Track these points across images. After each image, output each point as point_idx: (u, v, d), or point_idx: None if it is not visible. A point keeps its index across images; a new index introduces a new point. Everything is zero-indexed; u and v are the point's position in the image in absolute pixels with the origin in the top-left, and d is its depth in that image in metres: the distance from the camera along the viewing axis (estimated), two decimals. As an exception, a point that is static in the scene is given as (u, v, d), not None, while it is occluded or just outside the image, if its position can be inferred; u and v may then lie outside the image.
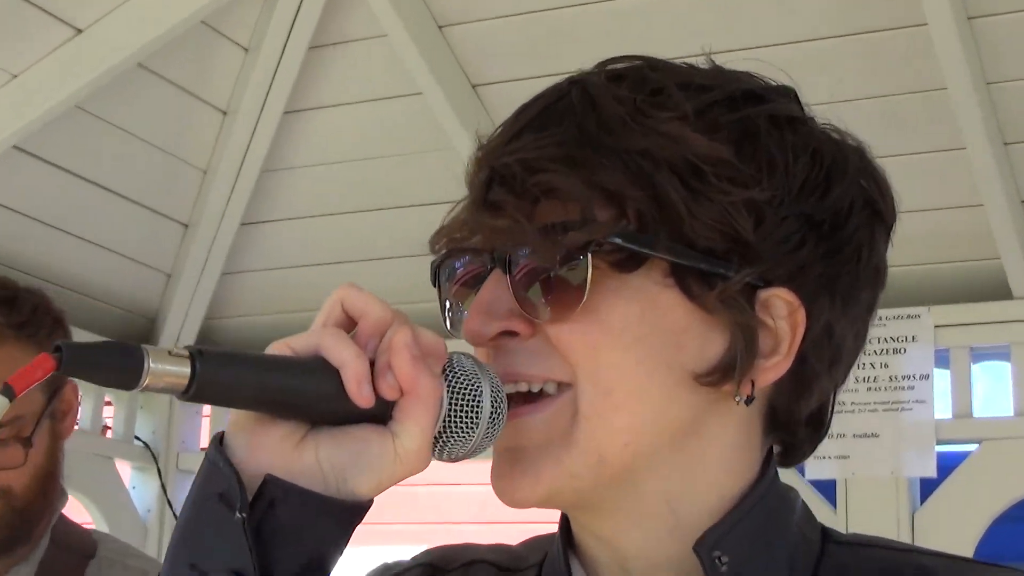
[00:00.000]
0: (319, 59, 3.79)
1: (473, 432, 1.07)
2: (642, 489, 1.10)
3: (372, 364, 1.03)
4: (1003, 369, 3.58)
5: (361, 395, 1.02)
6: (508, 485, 1.10)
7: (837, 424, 3.98)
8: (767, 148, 1.10)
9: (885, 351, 3.54)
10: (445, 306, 1.18)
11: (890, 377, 3.52)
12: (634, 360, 1.07)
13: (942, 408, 3.52)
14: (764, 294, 1.09)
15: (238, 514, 0.99)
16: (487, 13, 3.50)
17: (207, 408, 4.38)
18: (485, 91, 3.62)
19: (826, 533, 1.16)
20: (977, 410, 3.54)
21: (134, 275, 4.09)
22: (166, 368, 0.96)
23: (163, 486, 4.19)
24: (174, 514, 4.14)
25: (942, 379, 3.55)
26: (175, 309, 4.18)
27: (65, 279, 3.88)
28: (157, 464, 4.21)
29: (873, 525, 3.42)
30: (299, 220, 4.15)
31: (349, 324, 1.06)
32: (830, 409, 1.20)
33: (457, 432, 1.07)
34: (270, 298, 4.28)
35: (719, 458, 1.12)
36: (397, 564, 1.30)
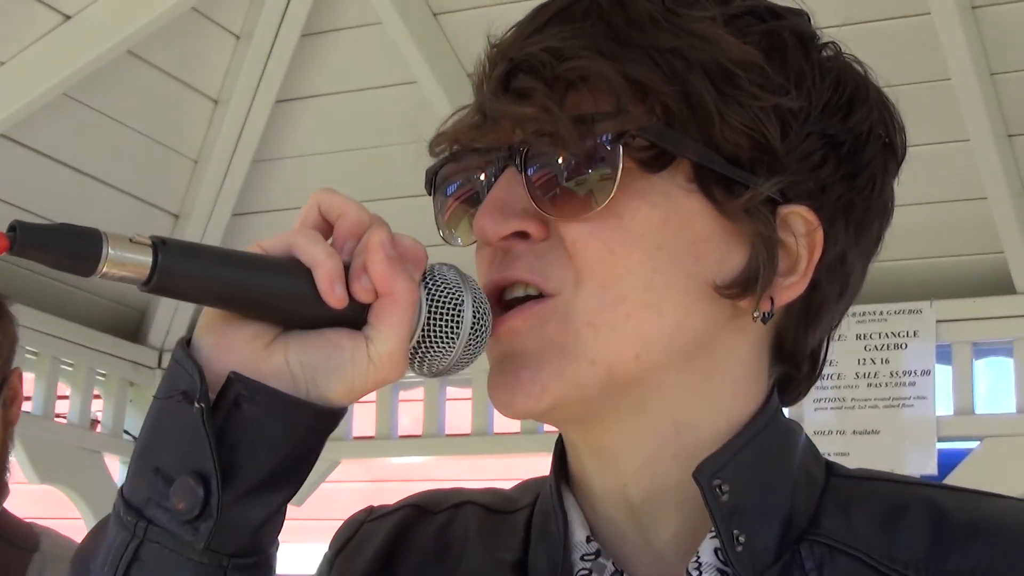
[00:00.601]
0: (312, 47, 3.75)
1: (453, 343, 1.02)
2: (650, 407, 1.06)
3: (348, 269, 0.99)
4: (1006, 365, 3.55)
5: (333, 295, 0.97)
6: (510, 396, 1.05)
7: (837, 421, 3.93)
8: (795, 61, 1.08)
9: (886, 346, 3.50)
10: (439, 216, 1.13)
11: (891, 373, 3.49)
12: (650, 268, 1.03)
13: (943, 404, 3.50)
14: (785, 210, 1.06)
15: (196, 404, 0.94)
16: (483, 0, 3.47)
17: (198, 401, 4.33)
18: (481, 80, 3.56)
19: (831, 467, 1.14)
20: (979, 407, 3.51)
21: (124, 266, 4.04)
22: (126, 255, 0.91)
23: (153, 480, 4.15)
24: (164, 509, 4.10)
25: (944, 375, 3.52)
26: (166, 302, 4.14)
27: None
28: (147, 458, 4.17)
29: (873, 523, 3.38)
30: (292, 211, 4.09)
31: (327, 229, 1.02)
32: (826, 348, 1.18)
33: (436, 343, 1.02)
34: (263, 290, 4.24)
35: (729, 380, 1.08)
36: (382, 507, 1.26)
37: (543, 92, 1.03)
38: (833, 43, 1.14)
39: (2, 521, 2.45)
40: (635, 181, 1.03)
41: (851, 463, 3.67)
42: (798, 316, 1.11)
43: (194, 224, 4.04)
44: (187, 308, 4.19)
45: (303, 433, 0.99)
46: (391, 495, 1.26)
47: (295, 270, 0.98)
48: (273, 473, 0.98)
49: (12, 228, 0.88)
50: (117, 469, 4.22)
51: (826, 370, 3.53)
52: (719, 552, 1.05)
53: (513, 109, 1.05)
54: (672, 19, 1.04)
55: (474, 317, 1.03)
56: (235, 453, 0.96)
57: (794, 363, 1.14)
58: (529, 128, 1.05)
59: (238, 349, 0.98)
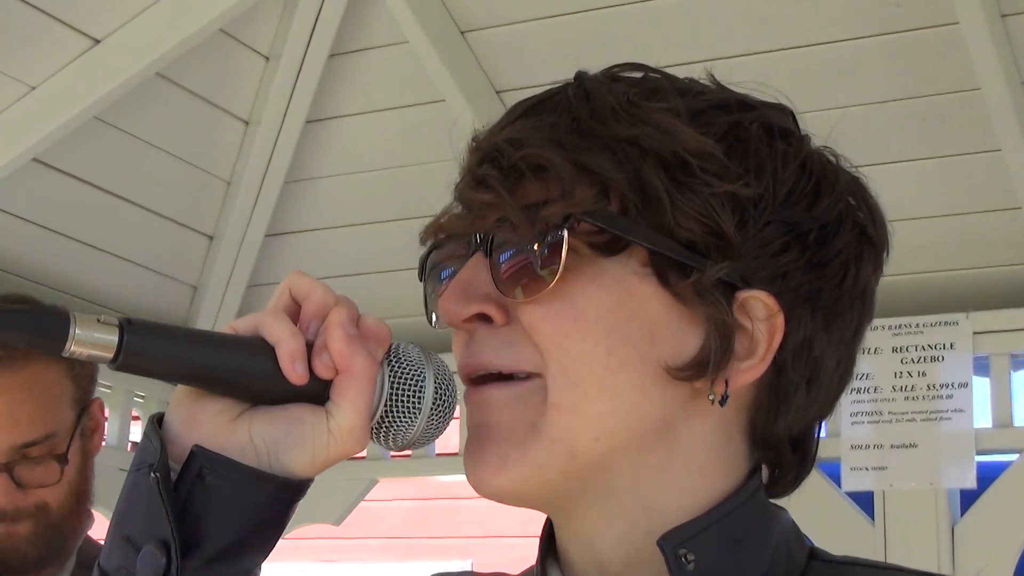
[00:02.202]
0: (340, 67, 3.76)
1: (415, 418, 1.07)
2: (615, 488, 1.09)
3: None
4: (1044, 376, 3.52)
5: (295, 372, 1.03)
6: (475, 470, 1.09)
7: (874, 434, 3.89)
8: (756, 151, 1.11)
9: (923, 359, 3.47)
10: (428, 301, 1.18)
11: (928, 386, 3.46)
12: (604, 351, 1.06)
13: (982, 417, 3.46)
14: (743, 295, 1.09)
15: (152, 474, 1.00)
16: (510, 17, 3.46)
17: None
18: (510, 97, 3.57)
19: (814, 552, 1.16)
20: (1018, 419, 3.47)
21: (159, 288, 4.06)
22: (93, 335, 0.98)
23: (189, 501, 4.17)
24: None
25: (981, 387, 3.49)
26: (202, 322, 4.15)
27: (89, 292, 3.86)
28: (183, 479, 4.19)
29: (912, 538, 3.36)
30: (324, 231, 4.12)
31: (296, 310, 1.08)
32: (815, 441, 1.20)
33: (399, 417, 1.07)
34: (296, 310, 4.25)
35: (694, 460, 1.10)
36: None
37: (497, 179, 1.07)
38: (807, 135, 1.16)
39: (86, 548, 2.48)
40: (587, 266, 1.06)
41: (889, 477, 3.67)
42: (767, 401, 1.13)
43: (228, 245, 4.05)
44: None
45: (266, 503, 1.03)
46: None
47: (261, 349, 1.03)
48: (237, 542, 1.02)
49: None
50: (153, 491, 4.23)
51: (862, 384, 3.53)
52: None
53: (473, 196, 1.10)
54: (632, 111, 1.08)
55: (435, 393, 1.07)
56: (199, 523, 1.01)
57: (770, 449, 1.15)
58: (491, 215, 1.09)
59: (204, 424, 1.04)
